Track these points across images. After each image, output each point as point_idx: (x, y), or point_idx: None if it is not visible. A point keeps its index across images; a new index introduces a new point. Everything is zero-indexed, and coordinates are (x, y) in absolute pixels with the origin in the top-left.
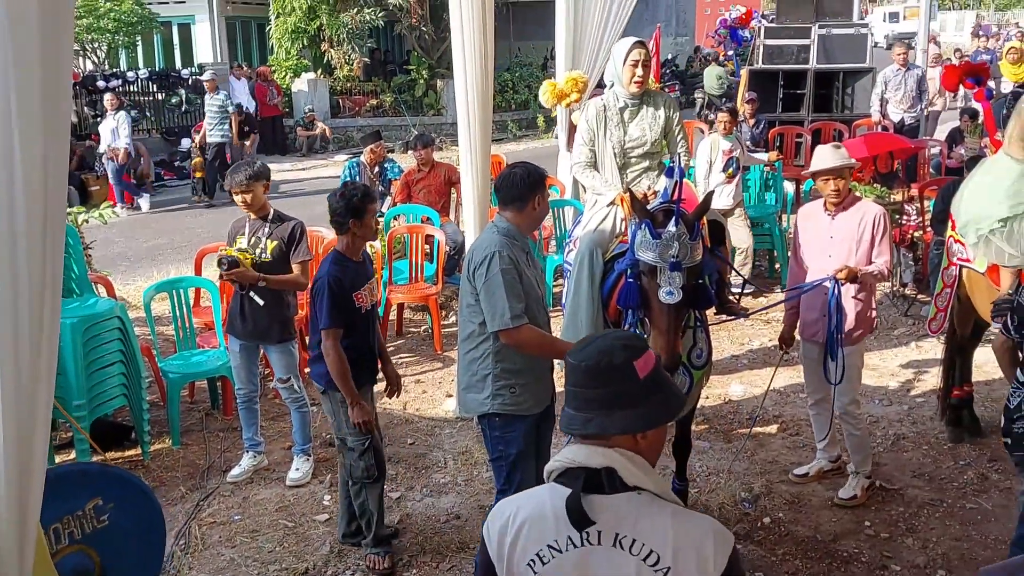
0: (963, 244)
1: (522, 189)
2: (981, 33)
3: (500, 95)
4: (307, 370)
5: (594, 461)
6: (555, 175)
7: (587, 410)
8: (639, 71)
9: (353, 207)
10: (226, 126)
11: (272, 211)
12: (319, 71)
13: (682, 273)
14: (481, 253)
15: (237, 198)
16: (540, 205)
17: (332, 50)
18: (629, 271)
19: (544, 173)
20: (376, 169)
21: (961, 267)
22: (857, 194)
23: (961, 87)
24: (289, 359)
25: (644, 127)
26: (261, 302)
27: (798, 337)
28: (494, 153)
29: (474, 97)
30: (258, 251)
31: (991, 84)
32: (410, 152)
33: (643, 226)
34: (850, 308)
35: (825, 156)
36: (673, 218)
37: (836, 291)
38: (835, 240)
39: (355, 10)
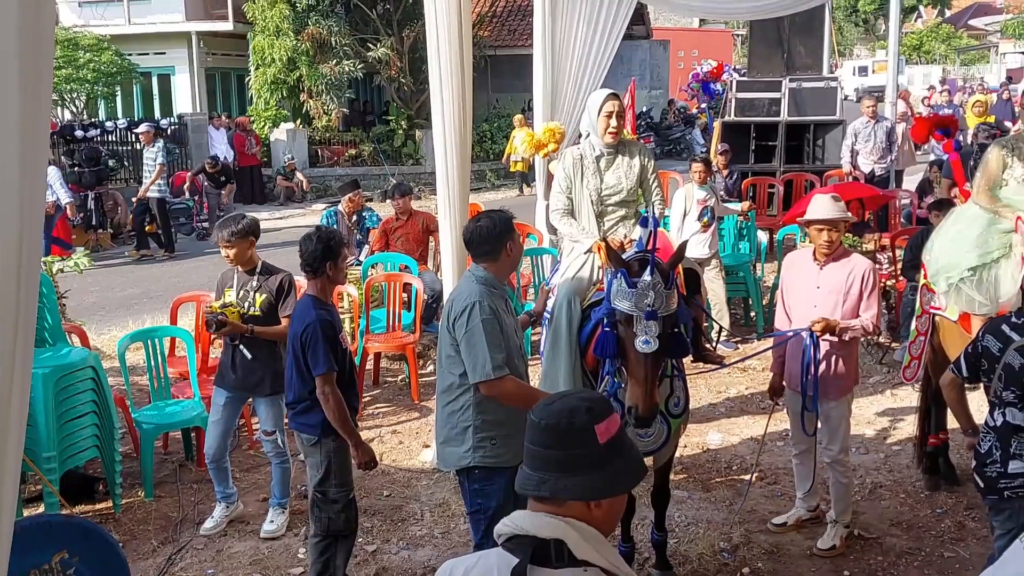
0: (935, 292)
1: (492, 241)
2: (944, 88)
3: (479, 145)
4: (285, 422)
5: (544, 531)
6: (532, 224)
7: (543, 470)
8: (613, 122)
9: (331, 250)
10: (160, 180)
11: (260, 263)
12: (298, 121)
13: (658, 322)
14: (461, 303)
15: (222, 251)
16: (513, 250)
17: (311, 101)
18: (605, 320)
19: (509, 216)
20: (354, 218)
21: (934, 315)
22: (847, 247)
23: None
24: (278, 412)
25: (620, 175)
26: (249, 356)
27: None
28: (473, 202)
29: (452, 147)
30: (247, 304)
31: (959, 136)
32: (388, 201)
33: (619, 275)
34: (833, 361)
35: (823, 206)
36: (648, 267)
37: (813, 343)
38: (821, 291)
39: (334, 62)
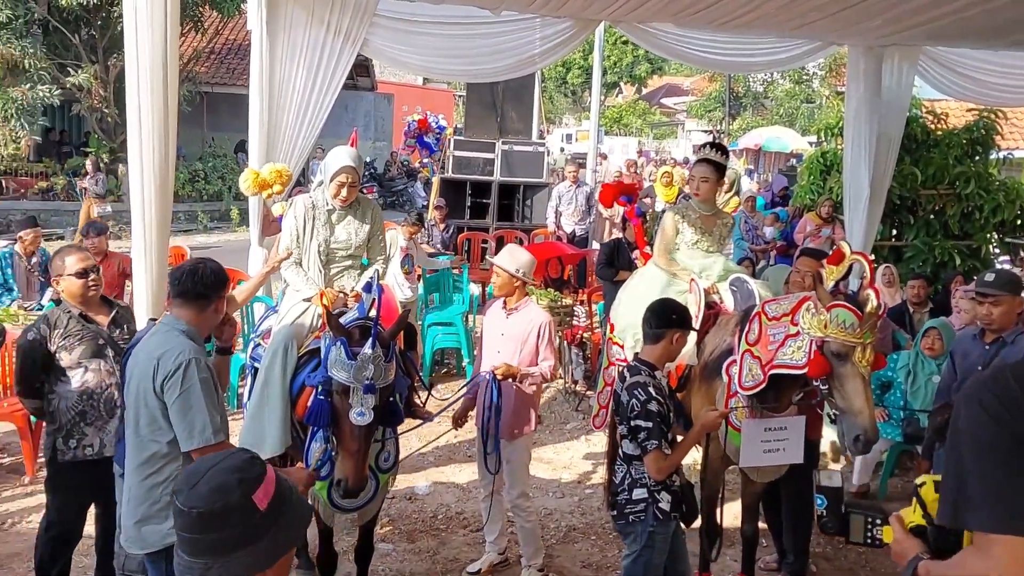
0: (621, 346)
1: (211, 287)
2: (642, 160)
3: (191, 184)
4: None
5: None
6: (246, 270)
7: (206, 556)
8: (344, 192)
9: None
10: None
11: None
12: None
13: (376, 395)
14: (173, 360)
15: None
16: (220, 310)
17: None
18: (320, 387)
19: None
20: (33, 259)
21: (620, 367)
22: (531, 300)
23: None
24: None
25: (351, 231)
26: None
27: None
28: (178, 245)
29: (151, 185)
30: None
31: (647, 201)
32: (81, 239)
33: (338, 344)
34: (512, 405)
35: (502, 254)
36: (370, 339)
37: (494, 386)
38: (505, 337)
39: (27, 86)
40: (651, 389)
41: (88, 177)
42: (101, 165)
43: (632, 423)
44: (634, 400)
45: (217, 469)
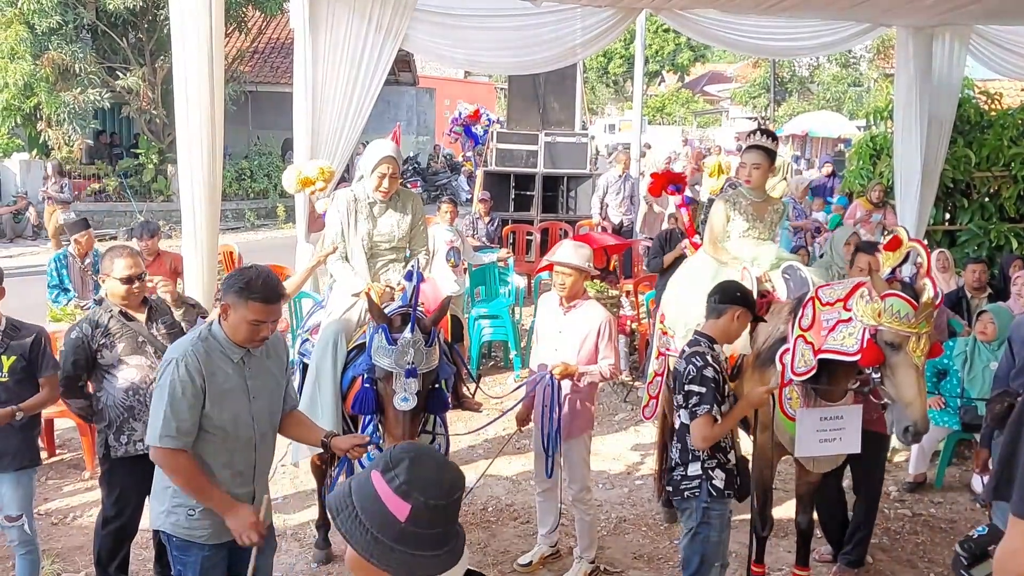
0: (672, 336)
1: (224, 292)
2: (687, 148)
3: (237, 183)
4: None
5: None
6: (294, 266)
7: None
8: (385, 184)
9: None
10: None
11: (5, 321)
12: (34, 151)
13: (418, 379)
14: (168, 355)
15: None
16: (231, 316)
17: (50, 130)
18: (365, 375)
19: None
20: (87, 260)
21: (669, 357)
22: (590, 297)
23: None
24: (25, 492)
25: (393, 223)
26: None
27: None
28: (227, 243)
29: (200, 185)
30: None
31: (695, 189)
32: (134, 240)
33: (380, 331)
34: (572, 402)
35: (566, 250)
36: (410, 324)
37: (554, 387)
38: (563, 335)
39: (78, 90)
40: (708, 357)
41: (51, 183)
42: (64, 169)
43: (686, 388)
44: (690, 367)
45: (445, 468)
